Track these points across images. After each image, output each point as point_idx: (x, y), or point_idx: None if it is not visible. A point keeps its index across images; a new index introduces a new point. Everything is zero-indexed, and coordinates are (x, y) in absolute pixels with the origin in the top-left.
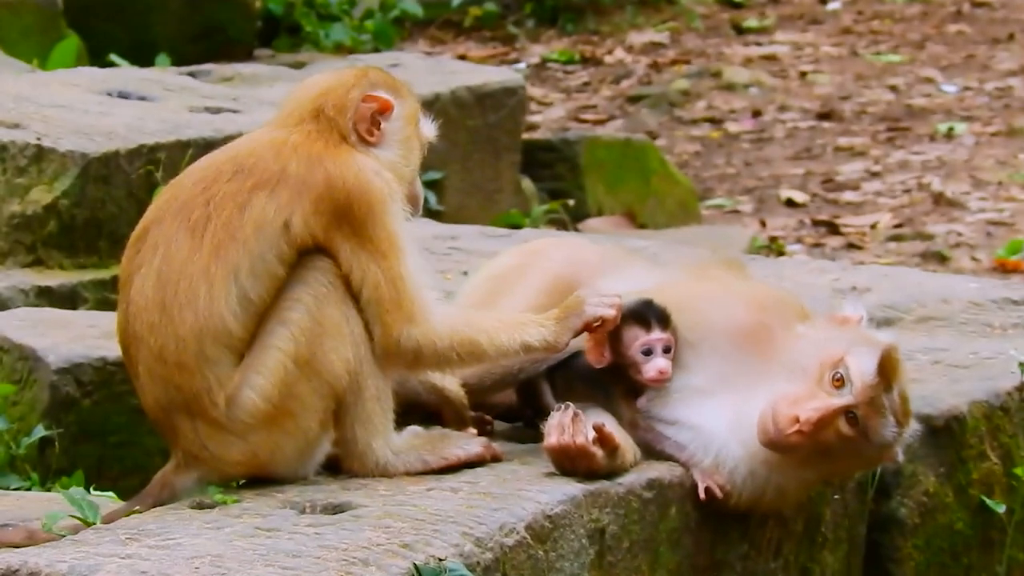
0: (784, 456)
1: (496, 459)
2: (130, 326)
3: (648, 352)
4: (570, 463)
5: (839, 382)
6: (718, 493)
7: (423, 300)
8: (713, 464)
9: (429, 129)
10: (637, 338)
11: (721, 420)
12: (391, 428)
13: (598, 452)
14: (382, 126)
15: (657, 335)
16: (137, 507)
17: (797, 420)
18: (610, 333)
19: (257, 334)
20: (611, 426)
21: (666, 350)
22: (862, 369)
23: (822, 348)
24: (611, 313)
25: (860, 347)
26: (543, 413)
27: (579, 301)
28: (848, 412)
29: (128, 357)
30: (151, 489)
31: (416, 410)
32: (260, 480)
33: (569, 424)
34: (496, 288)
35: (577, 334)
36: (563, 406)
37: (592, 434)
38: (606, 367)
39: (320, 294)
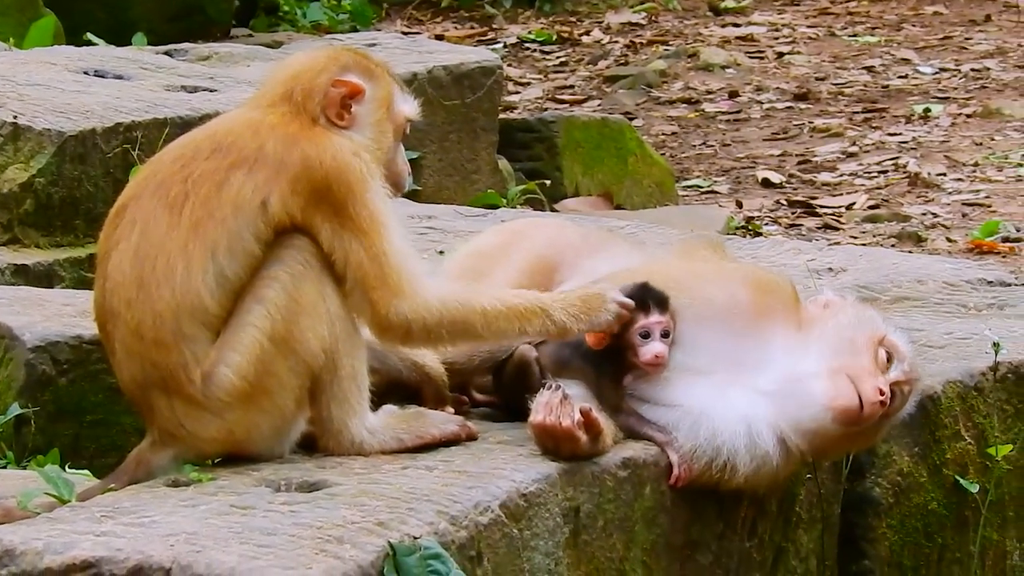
0: (821, 433)
1: (472, 438)
2: (107, 302)
3: (646, 335)
4: (553, 443)
5: (889, 359)
6: (679, 480)
7: (410, 274)
8: (699, 446)
9: (409, 108)
10: (636, 321)
11: (717, 400)
12: (367, 407)
13: (583, 436)
14: (352, 109)
15: (656, 318)
16: (112, 485)
17: (881, 392)
18: None
19: (233, 312)
20: (595, 411)
21: (664, 334)
22: (906, 347)
23: (860, 326)
24: (625, 317)
25: (891, 326)
26: (527, 390)
27: (601, 299)
28: (893, 389)
29: (105, 334)
30: (126, 467)
31: (396, 389)
32: (235, 458)
33: (557, 405)
34: (477, 266)
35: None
36: (553, 385)
37: (578, 417)
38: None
39: (296, 272)
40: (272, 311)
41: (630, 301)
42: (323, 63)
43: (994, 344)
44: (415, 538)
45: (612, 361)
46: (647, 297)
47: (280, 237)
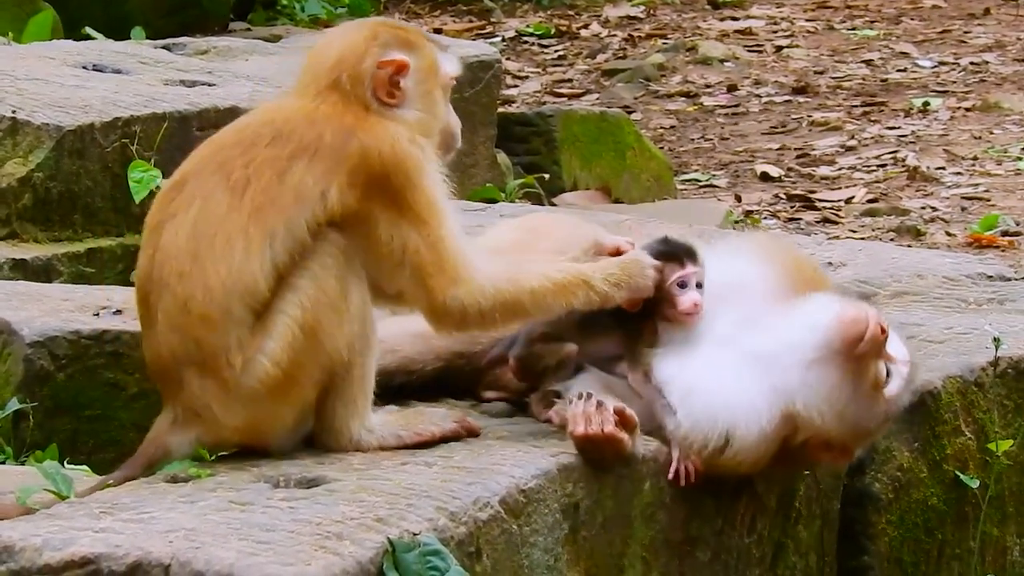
0: (825, 368)
1: (473, 433)
2: (155, 272)
3: (683, 285)
4: (598, 451)
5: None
6: (684, 479)
7: (465, 260)
8: (707, 429)
9: (452, 66)
10: (673, 272)
11: (735, 374)
12: (369, 408)
13: (626, 437)
14: (401, 85)
15: (692, 268)
16: (131, 471)
17: (883, 329)
18: None
19: (272, 300)
20: (623, 405)
21: (699, 284)
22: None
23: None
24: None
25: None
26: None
27: (639, 264)
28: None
29: (146, 304)
30: (145, 449)
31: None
32: (235, 454)
33: (594, 412)
34: None
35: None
36: (584, 394)
37: (615, 418)
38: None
39: (325, 264)
40: (303, 300)
41: (658, 264)
42: (364, 46)
43: (994, 339)
44: (414, 534)
45: (640, 320)
46: (677, 249)
47: (322, 229)
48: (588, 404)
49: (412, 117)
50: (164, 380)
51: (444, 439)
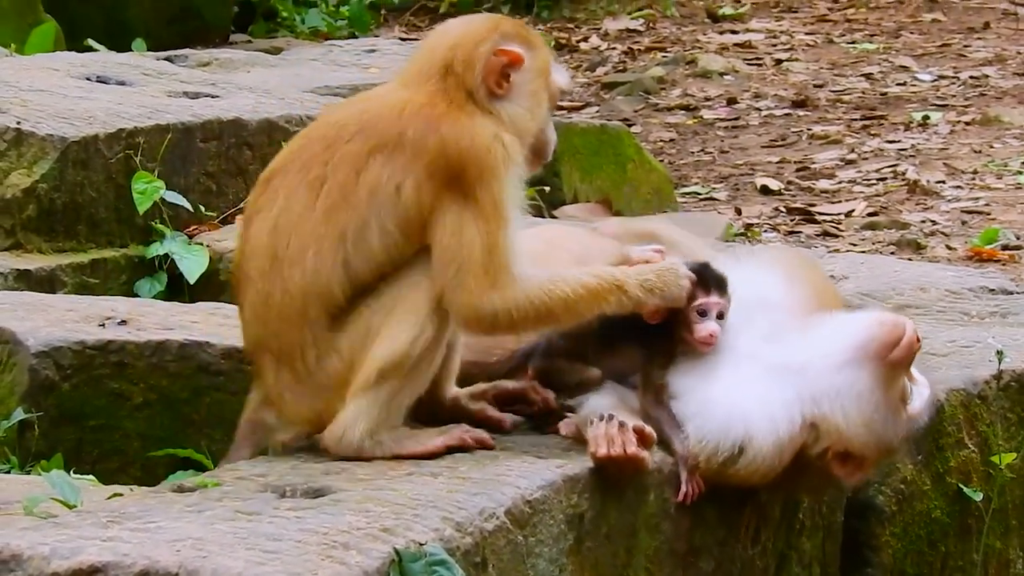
0: (857, 375)
1: (484, 445)
2: (244, 264)
3: (703, 313)
4: (620, 471)
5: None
6: (687, 497)
7: (512, 270)
8: (720, 438)
9: (563, 79)
10: (696, 298)
11: (755, 385)
12: (387, 425)
13: (646, 455)
14: (511, 78)
15: (715, 299)
16: (242, 453)
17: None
18: None
19: (353, 299)
20: (636, 420)
21: (719, 315)
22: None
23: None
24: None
25: None
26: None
27: (675, 273)
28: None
29: (237, 293)
30: (243, 434)
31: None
32: (239, 465)
33: (616, 434)
34: None
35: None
36: (605, 416)
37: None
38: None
39: (414, 282)
40: (382, 306)
41: (692, 275)
42: (484, 32)
43: (997, 352)
44: (420, 544)
45: (661, 340)
46: (708, 277)
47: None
48: (610, 425)
49: (510, 113)
50: (253, 363)
51: (450, 449)
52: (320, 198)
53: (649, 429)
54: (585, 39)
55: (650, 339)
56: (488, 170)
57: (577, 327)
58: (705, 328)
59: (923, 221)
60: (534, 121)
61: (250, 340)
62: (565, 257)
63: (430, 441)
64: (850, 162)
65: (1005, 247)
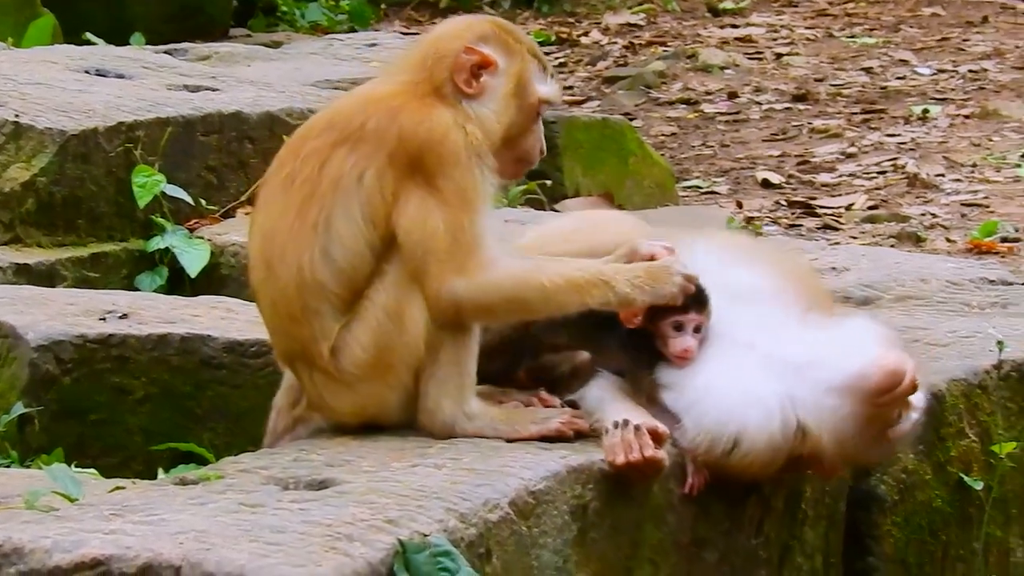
0: (847, 404)
1: (581, 434)
2: (251, 278)
3: (678, 328)
4: (641, 475)
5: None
6: (693, 488)
7: (479, 255)
8: (717, 427)
9: (547, 89)
10: (672, 313)
11: (752, 373)
12: (468, 391)
13: (663, 455)
14: (482, 79)
15: (692, 316)
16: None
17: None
18: None
19: (355, 288)
20: (647, 418)
21: (696, 330)
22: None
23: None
24: (689, 290)
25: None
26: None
27: (667, 271)
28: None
29: (259, 309)
30: (285, 427)
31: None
32: (243, 457)
33: (633, 440)
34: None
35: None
36: (620, 421)
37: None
38: (634, 328)
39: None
40: (387, 284)
41: (696, 275)
42: (462, 31)
43: (998, 342)
44: (425, 535)
45: (647, 350)
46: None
47: (378, 228)
48: (626, 432)
49: (477, 112)
50: (292, 372)
51: (544, 439)
52: (291, 195)
53: (662, 428)
54: (586, 34)
55: (634, 345)
56: (448, 156)
57: (557, 323)
58: (680, 343)
59: (923, 214)
60: (499, 124)
61: (279, 352)
62: (604, 238)
63: (524, 429)
64: (850, 156)
65: (1004, 240)
